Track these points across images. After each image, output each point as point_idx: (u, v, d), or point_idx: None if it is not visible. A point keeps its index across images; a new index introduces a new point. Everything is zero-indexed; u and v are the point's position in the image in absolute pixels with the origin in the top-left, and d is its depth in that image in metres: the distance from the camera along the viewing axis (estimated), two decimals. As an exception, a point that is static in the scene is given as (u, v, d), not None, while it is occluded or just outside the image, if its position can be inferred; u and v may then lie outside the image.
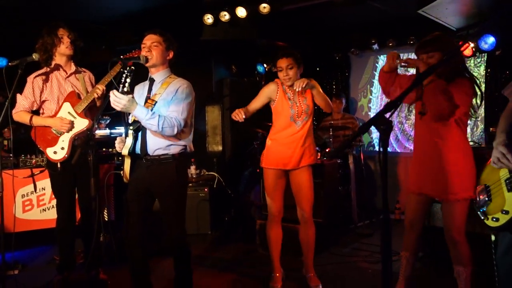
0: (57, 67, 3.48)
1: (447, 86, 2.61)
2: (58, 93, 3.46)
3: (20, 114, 3.43)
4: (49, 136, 3.43)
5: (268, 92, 3.42)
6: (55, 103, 3.45)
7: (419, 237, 3.01)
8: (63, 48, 3.44)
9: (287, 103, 3.38)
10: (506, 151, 1.98)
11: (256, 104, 3.44)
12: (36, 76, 3.45)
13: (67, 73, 3.50)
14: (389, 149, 6.25)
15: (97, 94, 3.36)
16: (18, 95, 3.43)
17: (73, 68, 3.53)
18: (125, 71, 2.73)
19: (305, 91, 3.35)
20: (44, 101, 3.47)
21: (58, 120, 3.38)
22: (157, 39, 2.92)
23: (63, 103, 3.43)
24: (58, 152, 3.41)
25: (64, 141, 3.41)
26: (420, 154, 2.89)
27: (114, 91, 2.68)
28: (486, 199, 2.13)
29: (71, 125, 3.40)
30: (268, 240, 3.58)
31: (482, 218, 2.15)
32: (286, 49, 3.35)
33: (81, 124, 3.42)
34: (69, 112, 3.42)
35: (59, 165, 3.40)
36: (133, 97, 2.73)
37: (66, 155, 3.39)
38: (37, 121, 3.43)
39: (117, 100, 2.67)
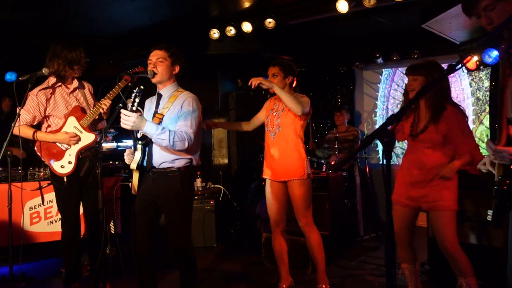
0: (61, 82, 3.51)
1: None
2: (64, 108, 3.48)
3: (21, 128, 3.39)
4: (54, 150, 3.45)
5: (265, 105, 3.65)
6: (60, 118, 3.48)
7: (412, 247, 3.13)
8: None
9: (267, 112, 3.53)
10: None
11: (258, 115, 3.67)
12: (39, 91, 3.45)
13: (69, 88, 3.53)
14: (396, 161, 6.25)
15: (102, 109, 3.40)
16: (19, 109, 3.44)
17: (76, 83, 3.57)
18: (134, 91, 2.76)
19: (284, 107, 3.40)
20: (48, 116, 3.48)
21: (64, 135, 3.40)
22: (162, 54, 2.96)
23: (68, 118, 3.46)
24: (65, 166, 3.43)
25: (71, 155, 3.44)
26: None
27: (123, 110, 2.70)
28: None
29: (78, 139, 3.44)
30: (274, 250, 3.59)
31: None
32: (281, 59, 3.48)
33: (88, 138, 3.46)
34: (75, 127, 3.45)
35: (65, 179, 3.43)
36: (141, 115, 2.76)
37: (73, 168, 3.42)
38: (41, 136, 3.44)
39: (126, 118, 2.69)
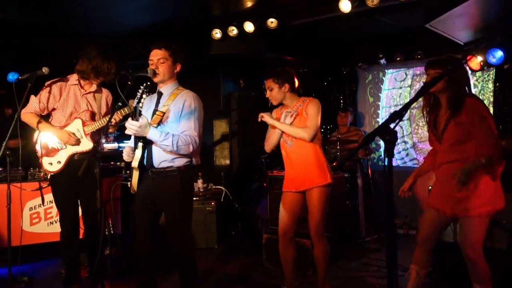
0: (79, 81, 3.50)
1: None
2: (71, 108, 3.48)
3: (28, 115, 3.41)
4: (50, 146, 3.44)
5: (272, 115, 3.43)
6: (65, 115, 3.47)
7: (431, 253, 2.98)
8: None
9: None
10: None
11: (269, 132, 3.45)
12: (54, 83, 3.46)
13: (86, 90, 3.53)
14: (399, 163, 6.21)
15: (111, 122, 3.39)
16: (32, 97, 3.42)
17: (94, 87, 3.55)
18: (141, 87, 2.77)
19: (295, 114, 3.31)
20: (54, 109, 3.48)
21: (66, 134, 3.39)
22: (163, 54, 2.94)
23: (75, 119, 3.46)
24: (53, 164, 3.42)
25: (63, 156, 3.43)
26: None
27: (129, 119, 2.77)
28: None
29: (77, 143, 3.43)
30: (280, 255, 3.50)
31: None
32: (273, 70, 3.33)
33: (85, 145, 3.46)
34: (77, 129, 3.44)
35: (49, 177, 3.44)
36: (147, 122, 2.78)
37: (60, 169, 3.41)
38: (44, 126, 3.42)
39: (130, 126, 2.74)
